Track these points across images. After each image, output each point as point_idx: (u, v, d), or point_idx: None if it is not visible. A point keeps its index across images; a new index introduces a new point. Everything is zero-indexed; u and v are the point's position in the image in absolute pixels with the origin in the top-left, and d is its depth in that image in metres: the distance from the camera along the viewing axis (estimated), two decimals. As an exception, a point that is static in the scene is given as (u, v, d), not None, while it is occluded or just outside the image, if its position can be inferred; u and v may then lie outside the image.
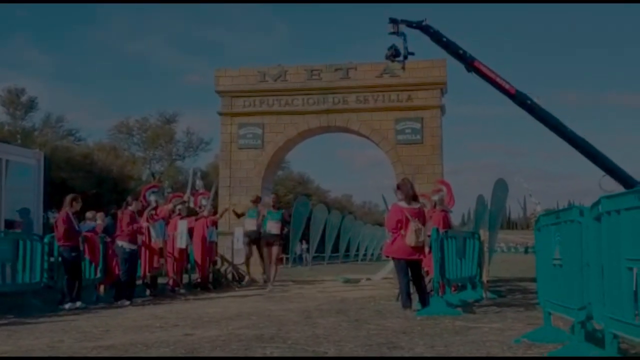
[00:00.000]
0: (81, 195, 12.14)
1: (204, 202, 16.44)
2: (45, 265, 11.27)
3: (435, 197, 11.69)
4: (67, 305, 10.75)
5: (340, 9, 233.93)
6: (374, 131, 19.62)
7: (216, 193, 18.43)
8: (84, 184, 34.84)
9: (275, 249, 14.65)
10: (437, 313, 8.83)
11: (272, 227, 14.63)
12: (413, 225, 9.35)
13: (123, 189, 37.43)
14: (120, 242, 12.20)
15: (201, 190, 17.83)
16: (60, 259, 11.41)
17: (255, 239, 15.90)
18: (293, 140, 20.68)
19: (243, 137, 20.28)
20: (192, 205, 16.45)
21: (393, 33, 13.72)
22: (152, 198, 14.05)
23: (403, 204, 9.63)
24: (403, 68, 14.68)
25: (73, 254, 11.25)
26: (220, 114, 20.56)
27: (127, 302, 11.58)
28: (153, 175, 50.52)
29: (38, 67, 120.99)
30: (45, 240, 11.48)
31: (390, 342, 6.42)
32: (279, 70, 20.21)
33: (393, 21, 13.60)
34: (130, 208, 12.49)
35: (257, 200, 16.42)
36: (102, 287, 12.88)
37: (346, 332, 7.21)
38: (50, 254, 11.51)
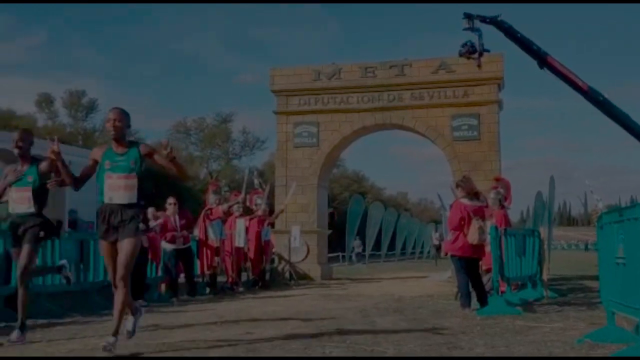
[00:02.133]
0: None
1: (259, 201, 16.61)
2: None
3: (493, 195, 11.55)
4: (130, 304, 10.97)
5: (393, 4, 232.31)
6: (429, 128, 19.46)
7: (271, 192, 18.60)
8: (144, 183, 35.42)
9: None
10: (497, 312, 8.74)
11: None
12: (476, 223, 9.29)
13: (181, 188, 37.94)
14: (162, 243, 12.65)
15: (259, 189, 18.04)
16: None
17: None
18: (348, 138, 20.67)
19: (298, 135, 20.37)
20: (247, 204, 16.63)
21: (468, 29, 13.49)
22: (212, 198, 14.28)
23: (465, 201, 9.57)
24: (479, 66, 14.35)
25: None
26: (276, 113, 20.70)
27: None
28: (210, 174, 51.22)
29: (97, 69, 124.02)
30: (108, 239, 11.74)
31: (449, 342, 6.38)
32: (334, 68, 20.23)
33: (468, 16, 13.36)
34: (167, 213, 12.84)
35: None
36: (163, 286, 13.12)
37: (405, 332, 7.20)
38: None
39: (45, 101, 49.18)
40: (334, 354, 5.81)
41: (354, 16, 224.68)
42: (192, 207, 19.63)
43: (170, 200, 13.05)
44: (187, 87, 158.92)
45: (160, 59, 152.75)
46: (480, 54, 13.71)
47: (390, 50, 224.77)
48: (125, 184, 6.26)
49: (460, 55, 13.98)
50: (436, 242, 36.43)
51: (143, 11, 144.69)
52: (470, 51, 13.64)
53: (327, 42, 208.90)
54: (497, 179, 13.45)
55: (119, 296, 6.22)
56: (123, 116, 6.35)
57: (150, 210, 12.53)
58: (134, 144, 6.47)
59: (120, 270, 6.09)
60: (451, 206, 10.07)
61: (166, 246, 12.62)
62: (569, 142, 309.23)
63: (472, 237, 9.33)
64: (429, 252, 52.28)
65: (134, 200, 6.24)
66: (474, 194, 9.71)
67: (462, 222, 9.44)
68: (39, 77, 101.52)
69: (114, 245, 6.15)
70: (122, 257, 6.08)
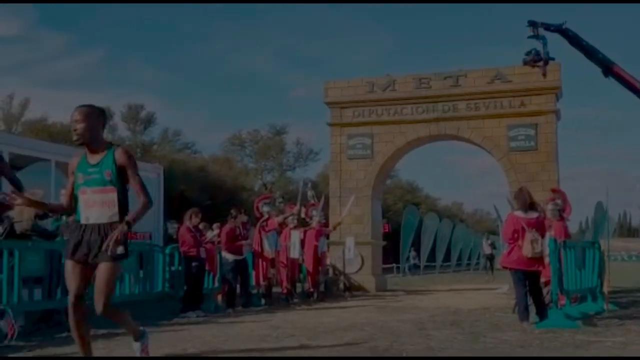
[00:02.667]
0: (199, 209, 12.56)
1: (314, 212, 16.69)
2: (167, 275, 11.78)
3: (552, 206, 11.37)
4: (187, 314, 11.13)
5: (446, 15, 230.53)
6: (485, 138, 19.25)
7: (326, 203, 18.65)
8: (200, 195, 35.99)
9: None
10: (556, 326, 8.60)
11: None
12: (529, 235, 9.16)
13: (237, 200, 38.45)
14: (224, 254, 12.76)
15: (312, 201, 18.11)
16: (180, 268, 11.91)
17: None
18: (402, 149, 20.58)
19: (352, 147, 20.38)
20: (302, 215, 16.73)
21: (533, 36, 13.30)
22: (265, 209, 14.40)
23: (519, 213, 9.46)
24: (544, 75, 14.11)
25: (194, 264, 11.67)
26: (330, 124, 20.77)
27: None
28: (265, 185, 51.60)
29: (153, 84, 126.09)
30: (167, 250, 11.98)
31: (508, 357, 6.30)
32: (388, 80, 20.20)
33: (532, 24, 13.17)
34: (233, 221, 13.01)
35: None
36: (219, 297, 13.26)
37: (461, 345, 7.13)
38: (171, 263, 12.00)
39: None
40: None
41: (408, 28, 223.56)
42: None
43: (241, 210, 13.42)
44: (242, 101, 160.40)
45: (216, 74, 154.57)
46: (546, 62, 13.47)
47: (444, 61, 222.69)
48: (102, 199, 5.11)
49: (525, 63, 13.75)
50: (488, 252, 32.44)
51: (199, 27, 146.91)
52: (535, 59, 13.43)
53: (381, 54, 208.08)
54: (554, 190, 13.24)
55: (117, 323, 5.60)
56: (88, 115, 5.16)
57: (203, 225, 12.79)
58: (110, 147, 5.26)
59: (99, 300, 5.02)
60: (506, 218, 9.98)
61: (228, 256, 12.75)
62: (631, 152, 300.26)
63: (526, 249, 9.22)
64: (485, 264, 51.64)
65: (116, 218, 5.08)
66: (529, 206, 9.57)
67: (516, 235, 9.33)
68: (98, 92, 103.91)
69: (82, 264, 5.09)
70: (101, 285, 5.03)
